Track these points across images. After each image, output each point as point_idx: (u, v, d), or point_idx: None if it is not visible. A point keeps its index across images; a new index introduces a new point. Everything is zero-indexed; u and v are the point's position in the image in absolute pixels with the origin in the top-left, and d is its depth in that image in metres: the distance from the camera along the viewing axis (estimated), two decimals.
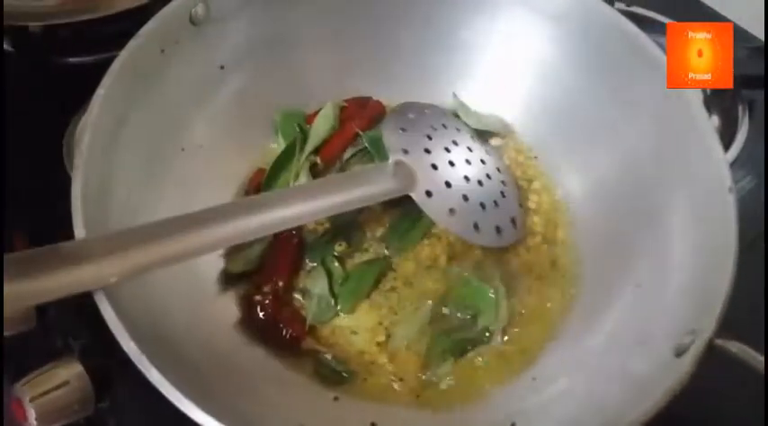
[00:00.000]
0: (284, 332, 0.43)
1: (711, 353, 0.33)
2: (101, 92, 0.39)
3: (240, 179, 0.49)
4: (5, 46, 0.58)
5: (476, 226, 0.45)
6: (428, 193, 0.44)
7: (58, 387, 0.40)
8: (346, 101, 0.53)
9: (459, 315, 0.45)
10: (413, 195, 0.44)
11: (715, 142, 0.40)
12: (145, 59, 0.42)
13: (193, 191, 0.45)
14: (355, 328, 0.44)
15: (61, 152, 0.52)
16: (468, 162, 0.47)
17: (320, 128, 0.51)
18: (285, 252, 0.46)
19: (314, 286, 0.45)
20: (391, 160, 0.45)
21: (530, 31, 0.50)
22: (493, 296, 0.44)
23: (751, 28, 0.64)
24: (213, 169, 0.47)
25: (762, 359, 0.32)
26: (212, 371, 0.38)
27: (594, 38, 0.47)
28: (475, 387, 0.43)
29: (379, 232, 0.48)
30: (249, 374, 0.41)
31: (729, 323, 0.34)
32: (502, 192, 0.48)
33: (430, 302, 0.45)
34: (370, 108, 0.53)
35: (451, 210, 0.44)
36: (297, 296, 0.45)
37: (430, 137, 0.47)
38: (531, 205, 0.50)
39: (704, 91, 0.55)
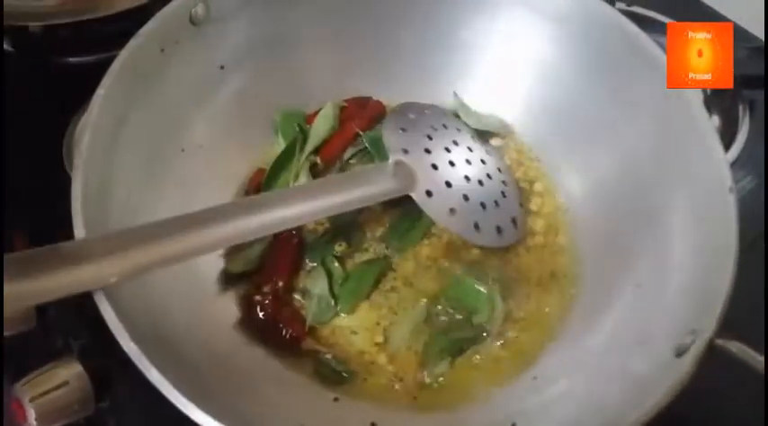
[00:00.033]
0: (284, 332, 0.43)
1: (712, 353, 0.33)
2: (101, 92, 0.39)
3: (240, 179, 0.49)
4: (5, 46, 0.58)
5: (476, 226, 0.45)
6: (428, 193, 0.44)
7: (57, 387, 0.40)
8: (346, 101, 0.53)
9: (454, 314, 0.45)
10: (413, 195, 0.44)
11: (715, 142, 0.40)
12: (145, 59, 0.42)
13: (193, 191, 0.45)
14: (355, 328, 0.44)
15: (61, 152, 0.52)
16: (468, 162, 0.47)
17: (320, 128, 0.51)
18: (285, 252, 0.46)
19: (314, 286, 0.45)
20: (391, 160, 0.45)
21: (530, 31, 0.50)
22: (484, 291, 0.45)
23: (751, 28, 0.64)
24: (213, 169, 0.47)
25: (762, 359, 0.32)
26: (212, 371, 0.38)
27: (595, 38, 0.47)
28: (475, 388, 0.42)
29: (379, 232, 0.48)
30: (249, 374, 0.41)
31: (730, 324, 0.34)
32: (502, 192, 0.48)
33: (424, 301, 0.45)
34: (371, 108, 0.53)
35: (452, 210, 0.44)
36: (297, 296, 0.45)
37: (430, 137, 0.47)
38: (533, 207, 0.50)
39: (705, 91, 0.55)
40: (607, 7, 0.47)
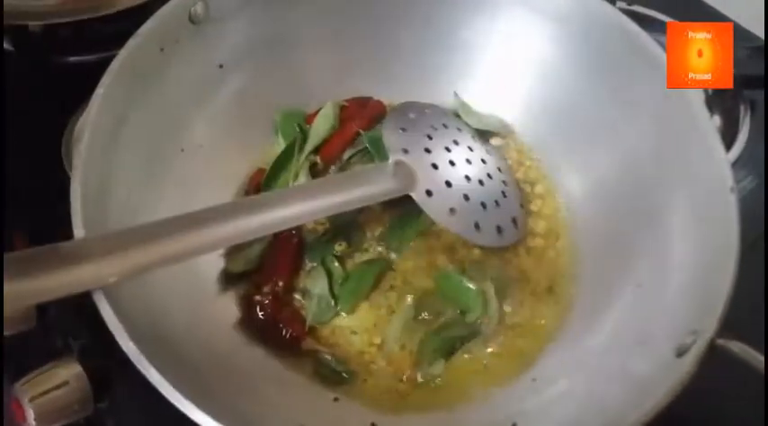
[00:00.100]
0: (284, 333, 0.43)
1: (713, 353, 0.33)
2: (100, 91, 0.38)
3: (240, 179, 0.49)
4: (5, 45, 0.58)
5: (476, 226, 0.45)
6: (428, 193, 0.44)
7: (57, 387, 0.40)
8: (346, 100, 0.53)
9: (446, 311, 0.45)
10: (413, 195, 0.44)
11: (716, 142, 0.40)
12: (144, 58, 0.42)
13: (193, 191, 0.45)
14: (355, 328, 0.44)
15: (61, 151, 0.52)
16: (468, 161, 0.47)
17: (320, 128, 0.50)
18: (285, 252, 0.46)
19: (314, 286, 0.45)
20: (391, 160, 0.45)
21: (530, 31, 0.50)
22: (473, 288, 0.44)
23: (752, 27, 0.64)
24: (213, 169, 0.47)
25: (763, 358, 0.32)
26: (212, 371, 0.38)
27: (595, 37, 0.47)
28: (474, 388, 0.42)
29: (379, 232, 0.48)
30: (249, 374, 0.41)
31: (731, 324, 0.34)
32: (503, 192, 0.48)
33: (410, 298, 0.45)
34: (371, 107, 0.53)
35: (452, 210, 0.44)
36: (297, 296, 0.45)
37: (430, 137, 0.47)
38: (534, 208, 0.50)
39: (706, 91, 0.54)
40: (608, 6, 0.47)
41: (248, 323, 0.43)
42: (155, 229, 0.36)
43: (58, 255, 0.32)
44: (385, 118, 0.50)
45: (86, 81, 0.39)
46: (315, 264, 0.46)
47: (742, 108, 0.59)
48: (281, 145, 0.50)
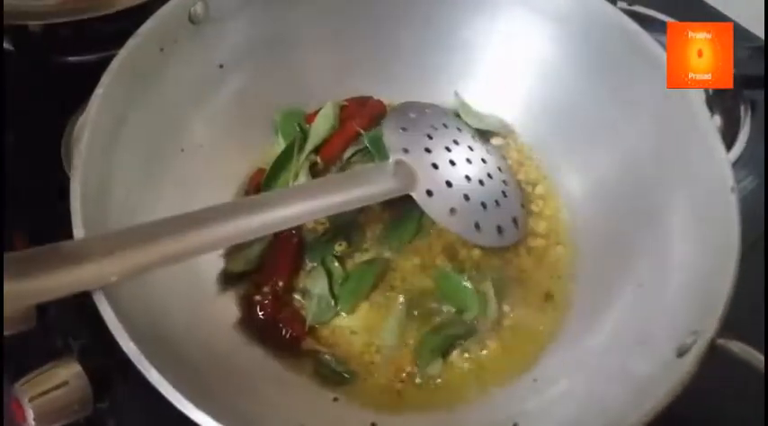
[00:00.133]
0: (284, 333, 0.43)
1: (713, 353, 0.33)
2: (99, 91, 0.38)
3: (240, 179, 0.49)
4: (5, 45, 0.58)
5: (477, 226, 0.45)
6: (429, 193, 0.44)
7: (57, 387, 0.40)
8: (346, 100, 0.53)
9: (443, 310, 0.45)
10: (413, 195, 0.44)
11: (717, 142, 0.40)
12: (144, 58, 0.42)
13: (193, 191, 0.45)
14: (355, 328, 0.44)
15: (61, 152, 0.52)
16: (469, 161, 0.47)
17: (320, 128, 0.50)
18: (285, 252, 0.46)
19: (314, 286, 0.45)
20: (392, 159, 0.45)
21: (530, 31, 0.50)
22: (470, 287, 0.44)
23: (752, 27, 0.64)
24: (213, 169, 0.47)
25: (763, 358, 0.32)
26: (212, 371, 0.38)
27: (595, 37, 0.47)
28: (474, 388, 0.42)
29: (379, 231, 0.48)
30: (249, 374, 0.41)
31: (731, 324, 0.34)
32: (503, 192, 0.48)
33: (402, 297, 0.45)
34: (371, 107, 0.53)
35: (452, 210, 0.44)
36: (297, 296, 0.45)
37: (431, 137, 0.47)
38: (535, 209, 0.50)
39: (707, 90, 0.54)
40: (608, 6, 0.47)
41: (248, 323, 0.43)
42: (155, 229, 0.36)
43: (58, 255, 0.32)
44: (385, 117, 0.50)
45: (86, 81, 0.39)
46: (315, 264, 0.46)
47: (742, 108, 0.59)
48: (281, 145, 0.50)
